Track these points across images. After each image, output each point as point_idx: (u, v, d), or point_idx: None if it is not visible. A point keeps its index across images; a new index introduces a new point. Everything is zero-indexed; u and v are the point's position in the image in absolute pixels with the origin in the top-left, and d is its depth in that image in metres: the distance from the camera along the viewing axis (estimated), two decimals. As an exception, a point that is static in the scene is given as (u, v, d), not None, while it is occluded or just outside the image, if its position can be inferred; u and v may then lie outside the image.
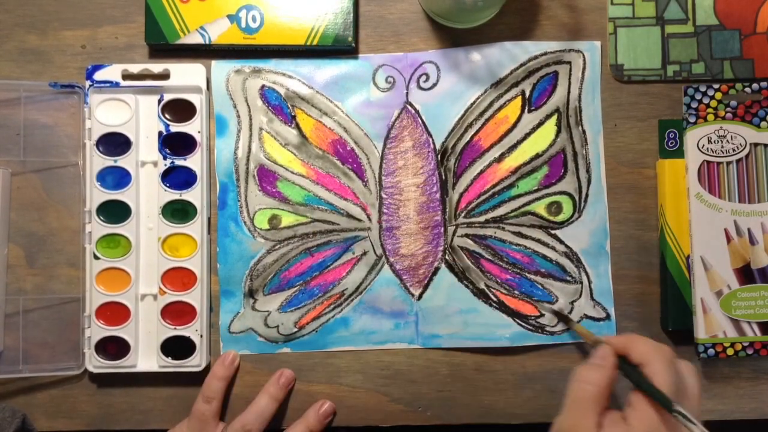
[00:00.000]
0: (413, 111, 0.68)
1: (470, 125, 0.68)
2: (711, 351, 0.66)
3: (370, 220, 0.68)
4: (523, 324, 0.67)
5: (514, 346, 0.68)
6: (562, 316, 0.67)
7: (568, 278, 0.68)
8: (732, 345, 0.66)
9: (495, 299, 0.67)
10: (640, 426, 0.52)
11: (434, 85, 0.68)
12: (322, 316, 0.68)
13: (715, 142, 0.66)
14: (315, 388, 0.68)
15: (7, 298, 0.68)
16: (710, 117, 0.66)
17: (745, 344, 0.66)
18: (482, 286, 0.68)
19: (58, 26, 0.69)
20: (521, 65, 0.68)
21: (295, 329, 0.68)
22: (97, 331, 0.67)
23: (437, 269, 0.68)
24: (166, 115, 0.68)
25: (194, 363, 0.67)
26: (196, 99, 0.68)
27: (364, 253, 0.68)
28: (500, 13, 0.68)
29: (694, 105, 0.67)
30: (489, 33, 0.68)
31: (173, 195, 0.67)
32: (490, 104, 0.68)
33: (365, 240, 0.68)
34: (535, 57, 0.68)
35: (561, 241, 0.68)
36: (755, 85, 0.67)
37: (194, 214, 0.67)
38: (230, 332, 0.68)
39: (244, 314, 0.68)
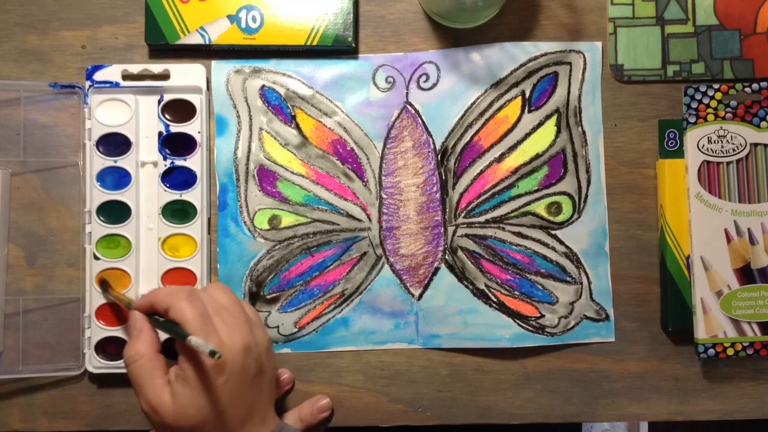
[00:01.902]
0: (413, 111, 0.68)
1: (470, 125, 0.68)
2: (711, 351, 0.66)
3: (370, 220, 0.68)
4: (523, 324, 0.67)
5: (514, 347, 0.68)
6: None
7: (568, 279, 0.68)
8: (732, 345, 0.66)
9: (495, 299, 0.67)
10: (188, 368, 0.54)
11: (434, 85, 0.68)
12: (322, 316, 0.68)
13: (715, 142, 0.66)
14: (315, 389, 0.68)
15: (7, 298, 0.68)
16: (710, 117, 0.66)
17: (746, 344, 0.66)
18: (482, 286, 0.68)
19: (58, 26, 0.69)
20: (521, 65, 0.68)
21: (295, 329, 0.68)
22: (97, 331, 0.67)
23: (437, 269, 0.68)
24: (166, 116, 0.68)
25: (194, 363, 0.67)
26: (196, 99, 0.68)
27: (364, 254, 0.68)
28: (500, 13, 0.68)
29: (694, 105, 0.67)
30: (489, 33, 0.68)
31: (173, 195, 0.67)
32: (490, 104, 0.68)
33: (365, 240, 0.68)
34: (535, 58, 0.68)
35: (561, 242, 0.68)
36: (755, 85, 0.67)
37: (194, 215, 0.67)
38: (230, 332, 0.68)
39: (244, 314, 0.68)
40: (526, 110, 0.68)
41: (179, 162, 0.67)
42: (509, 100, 0.68)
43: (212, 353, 0.51)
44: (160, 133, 0.68)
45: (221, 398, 0.54)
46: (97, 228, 0.67)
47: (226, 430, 0.56)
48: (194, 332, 0.54)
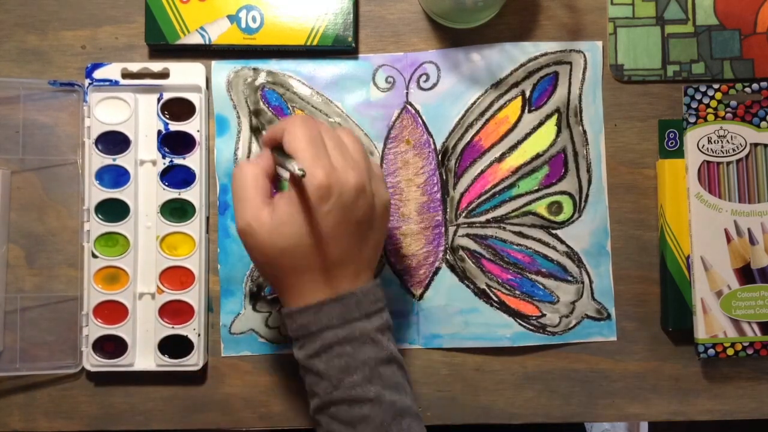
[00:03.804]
0: (413, 111, 0.68)
1: (471, 125, 0.68)
2: (711, 351, 0.66)
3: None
4: (524, 324, 0.67)
5: (515, 346, 0.68)
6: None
7: (569, 278, 0.68)
8: (732, 345, 0.66)
9: (496, 299, 0.67)
10: (293, 191, 0.53)
11: (434, 85, 0.68)
12: (322, 316, 0.68)
13: (715, 142, 0.66)
14: (315, 388, 0.68)
15: (6, 296, 0.67)
16: (710, 117, 0.66)
17: (746, 344, 0.66)
18: (483, 286, 0.67)
19: (58, 26, 0.69)
20: (521, 66, 0.68)
21: (295, 329, 0.68)
22: (94, 329, 0.67)
23: (438, 269, 0.68)
24: (166, 114, 0.67)
25: (191, 362, 0.67)
26: (195, 98, 0.67)
27: (364, 253, 0.68)
28: (500, 14, 0.68)
29: (694, 105, 0.67)
30: (489, 33, 0.69)
31: (172, 194, 0.67)
32: (491, 104, 0.68)
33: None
34: (535, 58, 0.68)
35: (562, 241, 0.68)
36: (755, 85, 0.67)
37: (193, 213, 0.67)
38: (231, 333, 0.68)
39: (245, 315, 0.68)
40: (526, 110, 0.68)
41: (178, 161, 0.67)
42: (509, 100, 0.68)
43: (300, 171, 0.50)
44: (159, 132, 0.67)
45: (320, 227, 0.53)
46: (96, 226, 0.67)
47: (315, 264, 0.54)
48: (302, 153, 0.53)
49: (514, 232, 0.68)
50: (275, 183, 0.57)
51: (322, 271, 0.54)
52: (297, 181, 0.52)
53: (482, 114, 0.68)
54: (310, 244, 0.53)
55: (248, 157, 0.68)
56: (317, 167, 0.52)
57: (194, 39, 0.67)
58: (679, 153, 0.67)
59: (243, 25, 0.67)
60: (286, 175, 0.54)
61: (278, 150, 0.56)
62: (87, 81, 0.67)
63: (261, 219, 0.53)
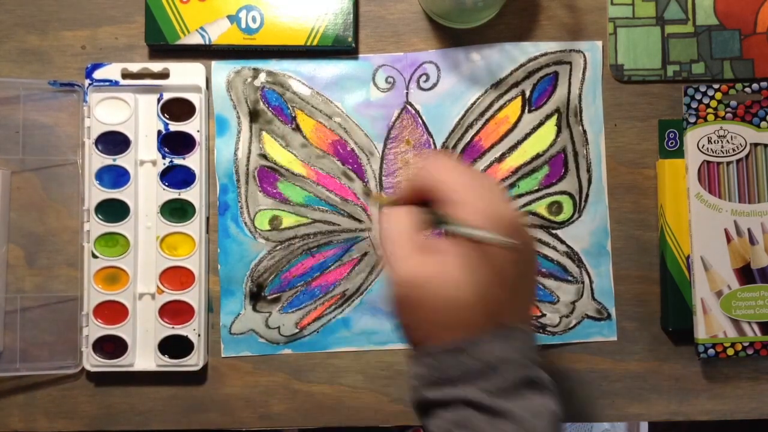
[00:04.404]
0: (413, 111, 0.68)
1: (471, 125, 0.68)
2: (711, 351, 0.66)
3: (371, 220, 0.68)
4: (524, 324, 0.67)
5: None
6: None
7: (569, 278, 0.68)
8: (732, 345, 0.66)
9: (496, 299, 0.67)
10: (452, 246, 0.46)
11: (434, 85, 0.68)
12: (323, 316, 0.68)
13: (715, 142, 0.66)
14: (315, 389, 0.68)
15: (6, 296, 0.67)
16: (710, 117, 0.66)
17: (746, 344, 0.66)
18: (483, 285, 0.67)
19: (58, 26, 0.69)
20: (521, 66, 0.68)
21: (297, 330, 0.68)
22: (94, 329, 0.67)
23: (438, 269, 0.68)
24: (166, 114, 0.67)
25: (192, 362, 0.67)
26: (195, 98, 0.67)
27: (365, 254, 0.68)
28: (500, 14, 0.68)
29: (694, 105, 0.67)
30: (489, 33, 0.69)
31: (172, 194, 0.67)
32: (491, 104, 0.68)
33: (366, 240, 0.68)
34: (535, 58, 0.68)
35: (562, 241, 0.68)
36: (755, 85, 0.67)
37: (192, 214, 0.67)
38: (231, 333, 0.68)
39: (245, 315, 0.68)
40: (526, 110, 0.68)
41: (178, 161, 0.67)
42: (509, 100, 0.68)
43: (510, 242, 0.44)
44: (159, 132, 0.67)
45: (509, 275, 0.46)
46: (96, 226, 0.67)
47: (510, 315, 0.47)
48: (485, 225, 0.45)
49: (515, 232, 0.68)
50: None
51: None
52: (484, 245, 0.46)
53: (482, 114, 0.68)
54: (502, 295, 0.47)
55: (248, 157, 0.68)
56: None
57: (194, 39, 0.67)
58: (679, 153, 0.67)
59: (243, 25, 0.67)
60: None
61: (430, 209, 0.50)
62: (87, 81, 0.67)
63: (426, 264, 0.47)
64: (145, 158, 0.68)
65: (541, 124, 0.68)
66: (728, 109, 0.67)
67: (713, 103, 0.67)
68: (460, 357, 0.46)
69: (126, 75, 0.68)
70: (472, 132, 0.68)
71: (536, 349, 0.49)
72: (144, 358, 0.68)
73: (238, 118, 0.68)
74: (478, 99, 0.68)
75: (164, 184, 0.67)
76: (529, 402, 0.46)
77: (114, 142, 0.67)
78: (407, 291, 0.47)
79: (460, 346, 0.46)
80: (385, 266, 0.49)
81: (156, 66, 0.68)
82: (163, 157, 0.67)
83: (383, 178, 0.68)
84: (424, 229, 0.50)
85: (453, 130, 0.68)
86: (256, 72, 0.68)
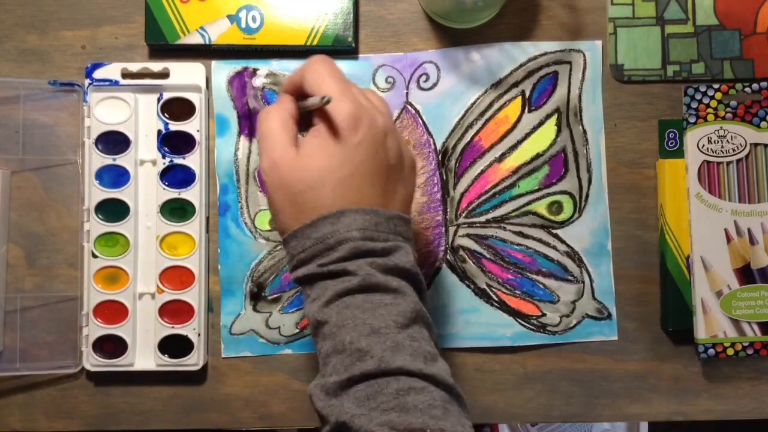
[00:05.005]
0: (413, 111, 0.68)
1: (471, 125, 0.68)
2: (711, 351, 0.66)
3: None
4: (525, 323, 0.67)
5: (515, 346, 0.68)
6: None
7: (570, 278, 0.68)
8: (732, 345, 0.66)
9: (496, 299, 0.67)
10: (322, 126, 0.52)
11: (434, 85, 0.68)
12: (322, 316, 0.68)
13: (715, 142, 0.66)
14: (315, 388, 0.68)
15: (6, 296, 0.67)
16: (710, 117, 0.66)
17: (746, 344, 0.66)
18: (483, 285, 0.67)
19: (58, 26, 0.69)
20: (521, 66, 0.68)
21: (297, 330, 0.68)
22: (94, 329, 0.67)
23: (438, 269, 0.68)
24: (166, 114, 0.67)
25: (191, 362, 0.67)
26: (195, 98, 0.67)
27: (365, 253, 0.68)
28: (500, 14, 0.68)
29: (694, 105, 0.67)
30: (489, 33, 0.69)
31: (172, 194, 0.67)
32: (491, 104, 0.68)
33: (365, 240, 0.68)
34: (535, 57, 0.68)
35: (562, 241, 0.68)
36: (755, 85, 0.67)
37: (192, 213, 0.67)
38: (231, 333, 0.68)
39: (246, 315, 0.68)
40: (526, 110, 0.68)
41: (178, 160, 0.67)
42: (509, 100, 0.68)
43: (325, 98, 0.49)
44: (159, 132, 0.67)
45: (350, 159, 0.51)
46: (96, 226, 0.67)
47: (352, 197, 0.51)
48: (328, 88, 0.51)
49: (515, 232, 0.68)
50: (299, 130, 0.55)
51: None
52: (325, 115, 0.51)
53: (482, 114, 0.68)
54: (339, 178, 0.51)
55: (248, 157, 0.68)
56: (345, 98, 0.51)
57: (194, 39, 0.67)
58: (679, 153, 0.67)
59: (243, 25, 0.67)
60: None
61: (300, 97, 0.55)
62: (87, 81, 0.67)
63: (286, 155, 0.51)
64: (145, 158, 0.68)
65: (541, 123, 0.68)
66: (728, 109, 0.67)
67: (713, 103, 0.67)
68: (303, 239, 0.52)
69: (126, 75, 0.68)
70: (472, 132, 0.68)
71: (392, 228, 0.52)
72: (144, 357, 0.68)
73: (239, 117, 0.68)
74: (478, 99, 0.68)
75: (164, 183, 0.67)
76: (362, 264, 0.50)
77: (114, 141, 0.67)
78: (270, 177, 0.52)
79: (303, 230, 0.51)
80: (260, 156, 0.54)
81: (156, 66, 0.68)
82: (163, 157, 0.67)
83: (383, 177, 0.68)
84: (295, 114, 0.54)
85: (453, 130, 0.68)
86: (257, 72, 0.68)
